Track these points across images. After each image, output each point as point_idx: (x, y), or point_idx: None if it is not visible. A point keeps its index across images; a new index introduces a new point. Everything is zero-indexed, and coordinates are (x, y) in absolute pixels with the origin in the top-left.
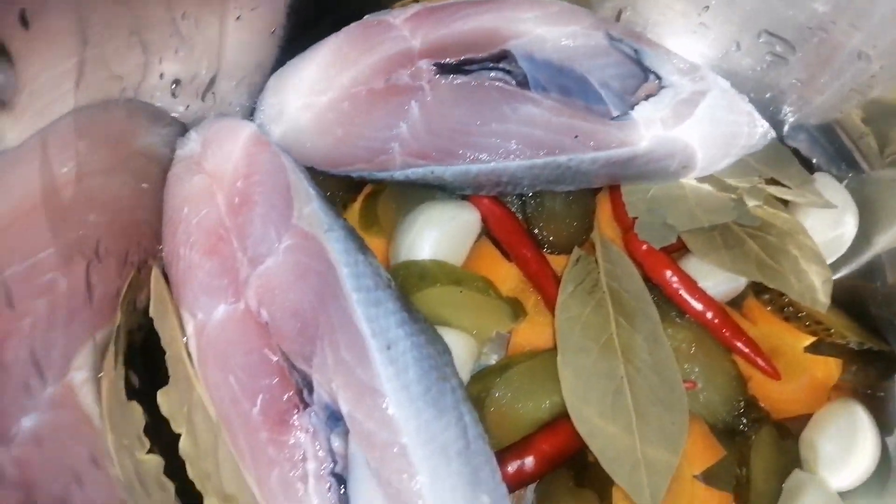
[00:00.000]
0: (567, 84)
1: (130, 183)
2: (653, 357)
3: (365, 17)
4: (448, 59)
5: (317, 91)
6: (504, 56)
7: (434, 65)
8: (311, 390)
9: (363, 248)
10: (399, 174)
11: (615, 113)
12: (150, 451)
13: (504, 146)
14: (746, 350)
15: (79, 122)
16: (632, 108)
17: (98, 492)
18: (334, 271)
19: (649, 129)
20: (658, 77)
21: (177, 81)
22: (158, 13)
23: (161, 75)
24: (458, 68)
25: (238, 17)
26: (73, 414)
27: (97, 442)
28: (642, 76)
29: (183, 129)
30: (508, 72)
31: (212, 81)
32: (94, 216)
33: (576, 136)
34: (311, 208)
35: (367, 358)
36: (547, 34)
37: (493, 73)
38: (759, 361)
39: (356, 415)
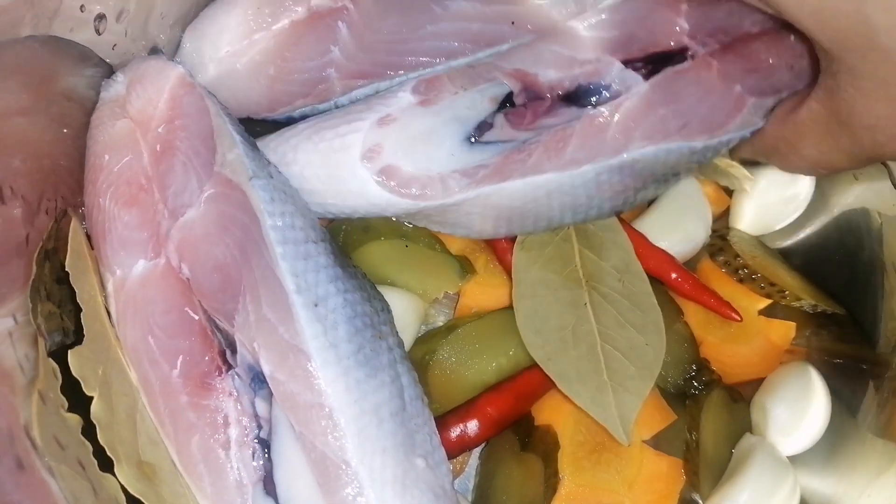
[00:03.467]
0: None
1: (51, 127)
2: (623, 283)
3: None
4: None
5: (238, 36)
6: None
7: None
8: (234, 351)
9: (294, 197)
10: (343, 100)
11: None
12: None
13: (443, 46)
14: (709, 299)
15: None
16: None
17: None
18: (258, 222)
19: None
20: None
21: (101, 17)
22: None
23: (81, 7)
24: None
25: None
26: None
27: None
28: None
29: (110, 70)
30: None
31: (143, 20)
32: (11, 160)
33: (512, 23)
34: (234, 154)
35: (291, 315)
36: None
37: None
38: (723, 308)
39: (278, 375)
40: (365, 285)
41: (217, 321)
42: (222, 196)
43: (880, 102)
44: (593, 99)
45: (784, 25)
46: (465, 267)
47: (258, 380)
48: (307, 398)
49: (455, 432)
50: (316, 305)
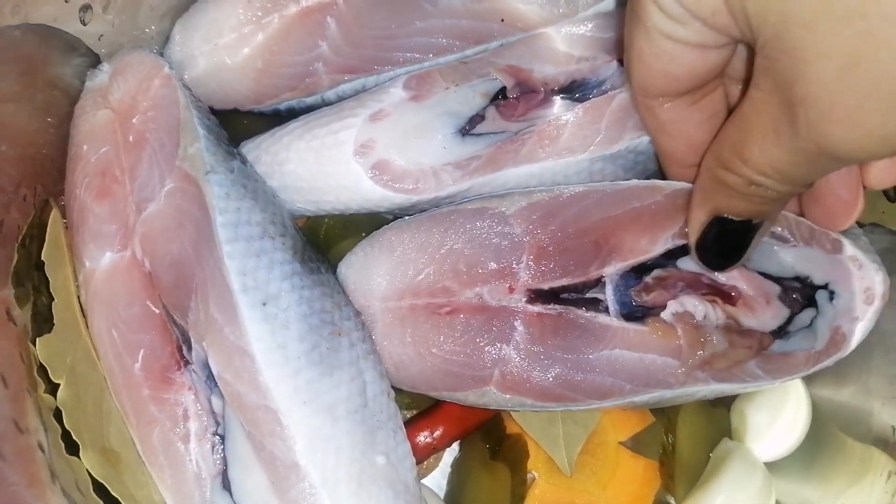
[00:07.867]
0: None
1: (37, 115)
2: None
3: None
4: None
5: (227, 29)
6: None
7: None
8: (190, 347)
9: (258, 192)
10: (330, 94)
11: None
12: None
13: (432, 42)
14: None
15: None
16: None
17: None
18: (209, 218)
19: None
20: None
21: (86, 7)
22: None
23: None
24: None
25: None
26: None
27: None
28: None
29: (97, 60)
30: None
31: (132, 11)
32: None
33: (502, 20)
34: (195, 148)
35: (236, 316)
36: None
37: None
38: None
39: (225, 376)
40: (329, 280)
41: (174, 316)
42: (180, 190)
43: (808, 66)
44: (588, 94)
45: None
46: None
47: (213, 376)
48: (253, 399)
49: (423, 435)
50: (265, 304)
